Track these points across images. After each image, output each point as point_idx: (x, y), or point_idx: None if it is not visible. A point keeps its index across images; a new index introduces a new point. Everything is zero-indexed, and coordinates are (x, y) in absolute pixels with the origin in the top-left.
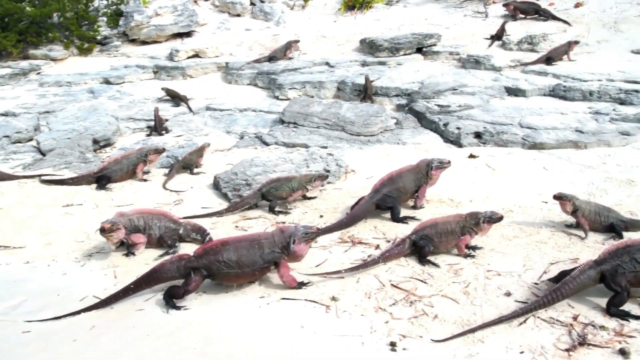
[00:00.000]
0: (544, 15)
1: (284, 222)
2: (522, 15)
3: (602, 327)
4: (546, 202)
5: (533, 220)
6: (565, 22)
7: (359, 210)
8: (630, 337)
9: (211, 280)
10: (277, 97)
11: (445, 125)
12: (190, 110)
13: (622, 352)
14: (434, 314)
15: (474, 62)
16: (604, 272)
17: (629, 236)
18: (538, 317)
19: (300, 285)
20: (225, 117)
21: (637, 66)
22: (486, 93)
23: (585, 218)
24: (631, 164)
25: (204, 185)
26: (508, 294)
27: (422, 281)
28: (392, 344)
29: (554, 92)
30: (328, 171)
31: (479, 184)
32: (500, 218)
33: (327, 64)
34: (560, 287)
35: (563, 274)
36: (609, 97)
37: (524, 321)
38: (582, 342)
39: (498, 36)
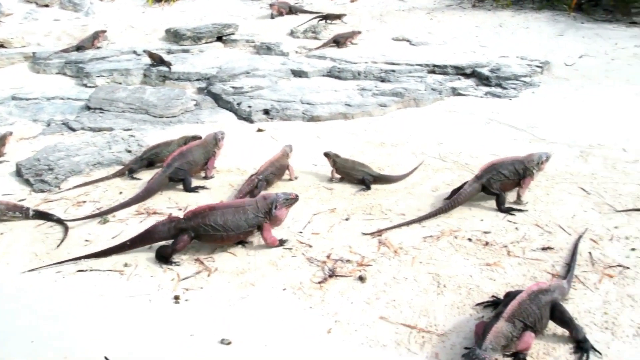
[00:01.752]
0: (297, 11)
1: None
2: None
3: (348, 261)
4: (316, 165)
5: (303, 181)
6: (321, 16)
7: (154, 183)
8: (368, 265)
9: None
10: (85, 85)
11: (239, 104)
12: None
13: (360, 278)
14: (214, 267)
15: (267, 49)
16: (483, 183)
17: (377, 187)
18: (304, 256)
19: (282, 242)
20: (31, 106)
21: (395, 51)
22: (275, 75)
23: (342, 172)
24: (385, 129)
25: (6, 174)
26: (282, 242)
27: None
28: (176, 297)
29: (331, 73)
30: (130, 151)
31: (264, 153)
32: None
33: (135, 52)
34: (457, 197)
35: (455, 191)
36: (373, 76)
37: (289, 264)
38: (332, 274)
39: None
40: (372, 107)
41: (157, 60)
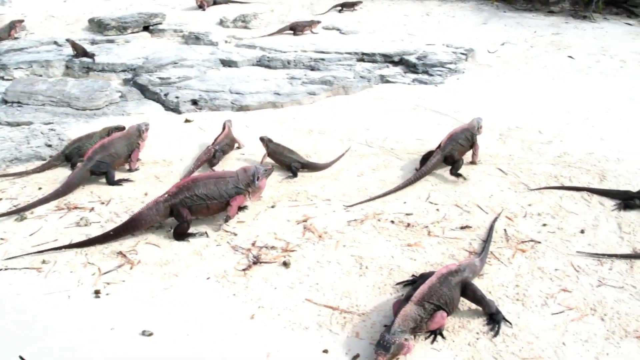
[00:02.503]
0: (222, 2)
1: None
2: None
3: (273, 247)
4: (243, 154)
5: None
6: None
7: (74, 177)
8: (293, 251)
9: None
10: (2, 78)
11: (166, 95)
12: None
13: (285, 263)
14: (137, 260)
15: (195, 39)
16: (446, 154)
17: (304, 174)
18: (229, 245)
19: (243, 208)
20: None
21: (325, 40)
22: (204, 65)
23: (274, 157)
24: (313, 117)
25: None
26: (203, 234)
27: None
28: (97, 292)
29: (261, 62)
30: (50, 145)
31: (191, 144)
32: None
33: (56, 43)
34: (424, 169)
35: (425, 158)
36: (303, 65)
37: (213, 253)
38: (256, 261)
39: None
40: (301, 95)
41: (80, 51)
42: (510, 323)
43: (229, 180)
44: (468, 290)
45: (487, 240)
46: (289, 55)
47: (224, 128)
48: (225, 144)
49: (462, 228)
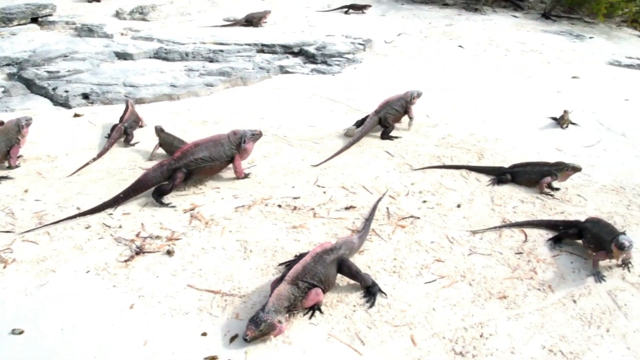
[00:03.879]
0: None
1: None
2: None
3: (158, 237)
4: (134, 145)
5: (119, 162)
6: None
7: None
8: (178, 239)
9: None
10: None
11: (54, 89)
12: None
13: (168, 252)
14: (11, 258)
15: (88, 31)
16: (380, 117)
17: None
18: (112, 237)
19: (246, 175)
20: None
21: (223, 32)
22: (97, 58)
23: (164, 146)
24: (209, 108)
25: None
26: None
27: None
28: None
29: (158, 55)
30: None
31: (80, 138)
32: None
33: None
34: (362, 129)
35: (360, 122)
36: (201, 57)
37: (95, 246)
38: (139, 251)
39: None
40: (198, 87)
41: None
42: (386, 294)
43: (224, 142)
44: (344, 267)
45: (368, 219)
46: (187, 47)
47: (127, 107)
48: (132, 121)
49: (346, 209)
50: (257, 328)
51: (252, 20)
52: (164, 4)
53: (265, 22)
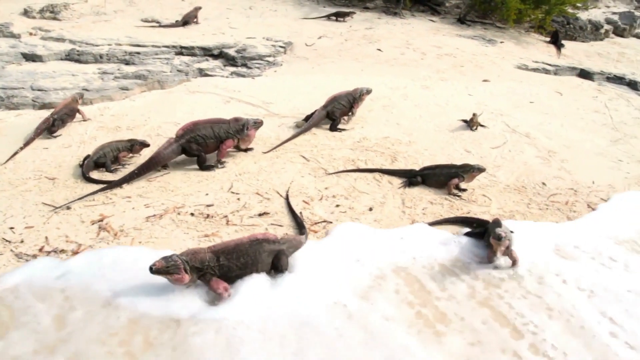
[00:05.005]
0: None
1: None
2: None
3: (62, 251)
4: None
5: (23, 173)
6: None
7: None
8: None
9: None
10: None
11: None
12: None
13: None
14: None
15: None
16: (328, 111)
17: (105, 173)
18: (13, 253)
19: (223, 163)
20: None
21: (142, 32)
22: (1, 60)
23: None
24: (123, 113)
25: None
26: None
27: None
28: None
29: (70, 57)
30: None
31: None
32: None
33: None
34: (310, 122)
35: (309, 116)
36: (117, 59)
37: None
38: None
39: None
40: (112, 90)
41: None
42: None
43: (222, 125)
44: (277, 260)
45: (298, 220)
46: (101, 49)
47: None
48: (64, 114)
49: (260, 215)
50: (166, 263)
51: (188, 21)
52: (77, 3)
53: (195, 21)
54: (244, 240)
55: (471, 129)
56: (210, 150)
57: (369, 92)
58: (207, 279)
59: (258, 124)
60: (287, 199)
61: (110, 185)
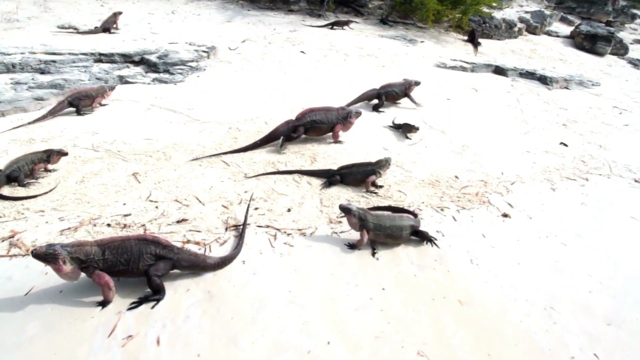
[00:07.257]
0: None
1: None
2: None
3: None
4: None
5: None
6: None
7: None
8: None
9: None
10: None
11: None
12: None
13: None
14: None
15: None
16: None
17: (16, 188)
18: None
19: (340, 141)
20: None
21: (58, 40)
22: None
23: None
24: (35, 125)
25: None
26: None
27: None
28: None
29: None
30: None
31: None
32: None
33: None
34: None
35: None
36: (31, 68)
37: None
38: None
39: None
40: (26, 102)
41: None
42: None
43: (333, 112)
44: (155, 267)
45: (243, 226)
46: (13, 57)
47: None
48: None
49: (178, 222)
50: (45, 251)
51: (109, 28)
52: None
53: (115, 27)
54: (131, 237)
55: (390, 127)
56: (322, 133)
57: (358, 114)
58: (90, 272)
59: (358, 114)
60: (247, 211)
61: (235, 150)
